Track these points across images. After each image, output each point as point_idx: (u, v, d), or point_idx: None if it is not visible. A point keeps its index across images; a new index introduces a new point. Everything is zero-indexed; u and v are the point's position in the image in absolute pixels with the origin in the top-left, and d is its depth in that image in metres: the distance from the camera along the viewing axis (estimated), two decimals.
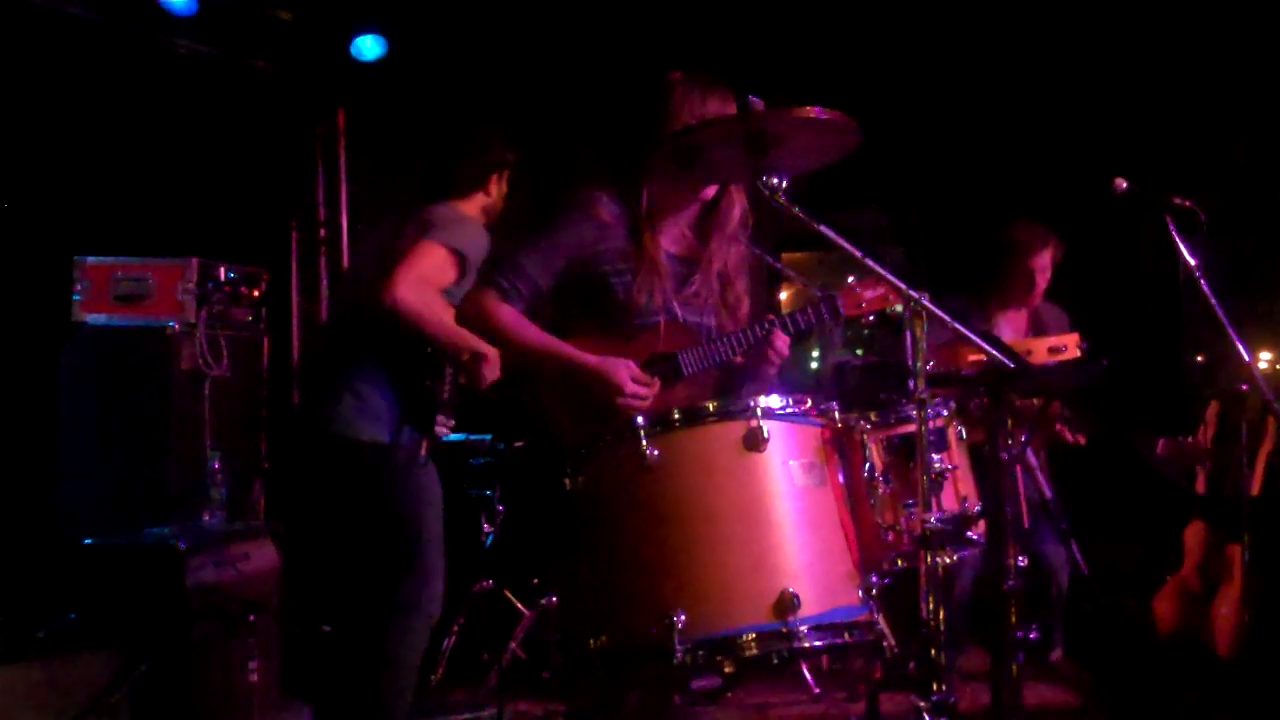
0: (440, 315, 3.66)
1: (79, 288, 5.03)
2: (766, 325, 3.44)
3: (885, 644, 2.78)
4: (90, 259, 5.07)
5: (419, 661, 3.81)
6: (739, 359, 3.47)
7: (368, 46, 6.46)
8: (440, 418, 3.79)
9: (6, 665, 3.57)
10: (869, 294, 3.54)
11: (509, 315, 3.38)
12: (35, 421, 4.96)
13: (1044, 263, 5.45)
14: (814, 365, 5.76)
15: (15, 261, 5.23)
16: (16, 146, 5.30)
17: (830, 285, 3.61)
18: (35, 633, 3.68)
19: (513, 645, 5.09)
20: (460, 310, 3.48)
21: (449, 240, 3.76)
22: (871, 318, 3.61)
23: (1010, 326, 5.60)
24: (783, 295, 6.62)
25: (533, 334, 3.38)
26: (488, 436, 5.24)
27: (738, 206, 3.50)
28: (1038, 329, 5.55)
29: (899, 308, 3.85)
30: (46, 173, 5.40)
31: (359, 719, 3.72)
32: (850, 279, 3.59)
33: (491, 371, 3.68)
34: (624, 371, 3.30)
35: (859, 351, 5.69)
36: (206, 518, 4.77)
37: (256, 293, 5.34)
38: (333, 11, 6.45)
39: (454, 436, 5.12)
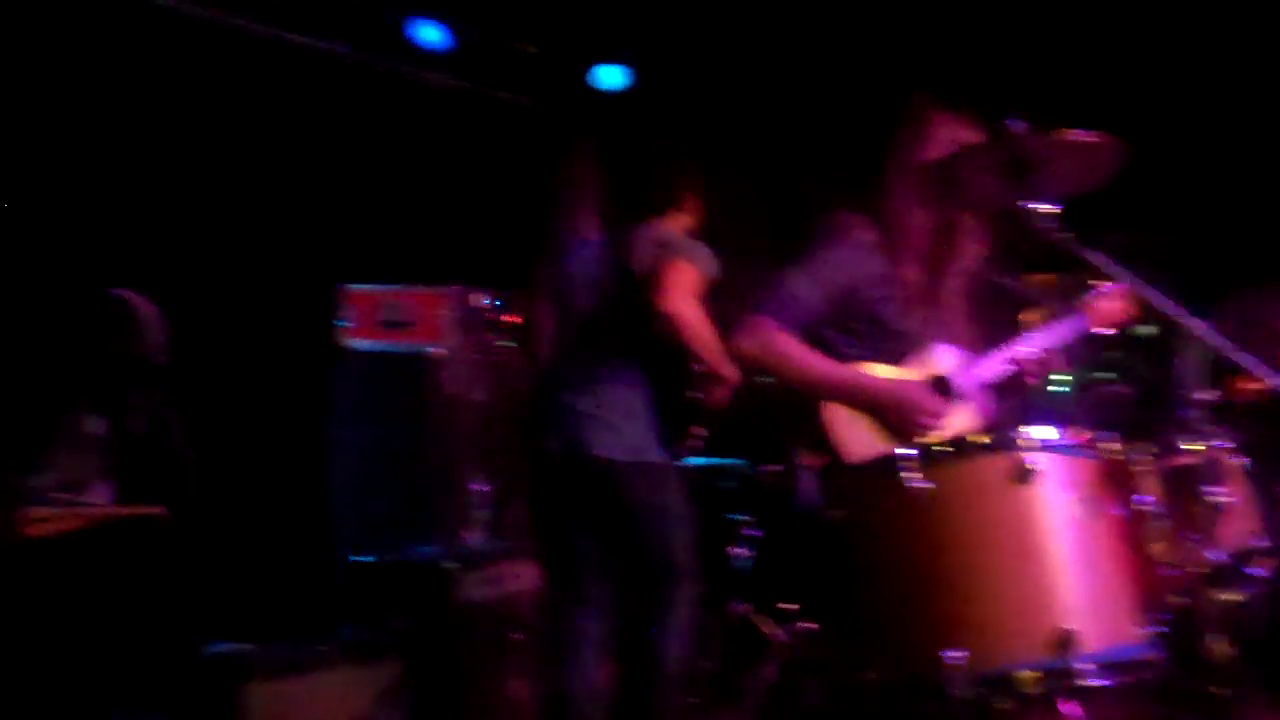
0: (709, 332, 3.77)
1: (345, 315, 5.29)
2: (1029, 339, 3.41)
3: (1166, 683, 2.72)
4: (355, 287, 5.32)
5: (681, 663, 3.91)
6: (1005, 377, 3.43)
7: (610, 76, 6.63)
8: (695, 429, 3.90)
9: (295, 676, 3.77)
10: (1108, 307, 3.49)
11: (793, 344, 3.29)
12: (309, 443, 5.24)
13: None
14: (1065, 391, 5.61)
15: (285, 290, 5.53)
16: (287, 180, 5.61)
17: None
18: (319, 646, 3.88)
19: (768, 671, 5.09)
20: (736, 341, 3.35)
21: (695, 261, 3.87)
22: (1112, 331, 3.54)
23: None
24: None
25: (820, 361, 3.29)
26: (740, 461, 5.28)
27: (974, 235, 3.46)
28: None
29: (1151, 327, 3.78)
30: (313, 204, 5.69)
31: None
32: (1087, 295, 3.54)
33: (724, 396, 3.80)
34: (921, 393, 3.26)
35: (1112, 375, 5.53)
36: (470, 537, 4.95)
37: (514, 319, 5.52)
38: (577, 43, 6.63)
39: (706, 460, 5.17)
